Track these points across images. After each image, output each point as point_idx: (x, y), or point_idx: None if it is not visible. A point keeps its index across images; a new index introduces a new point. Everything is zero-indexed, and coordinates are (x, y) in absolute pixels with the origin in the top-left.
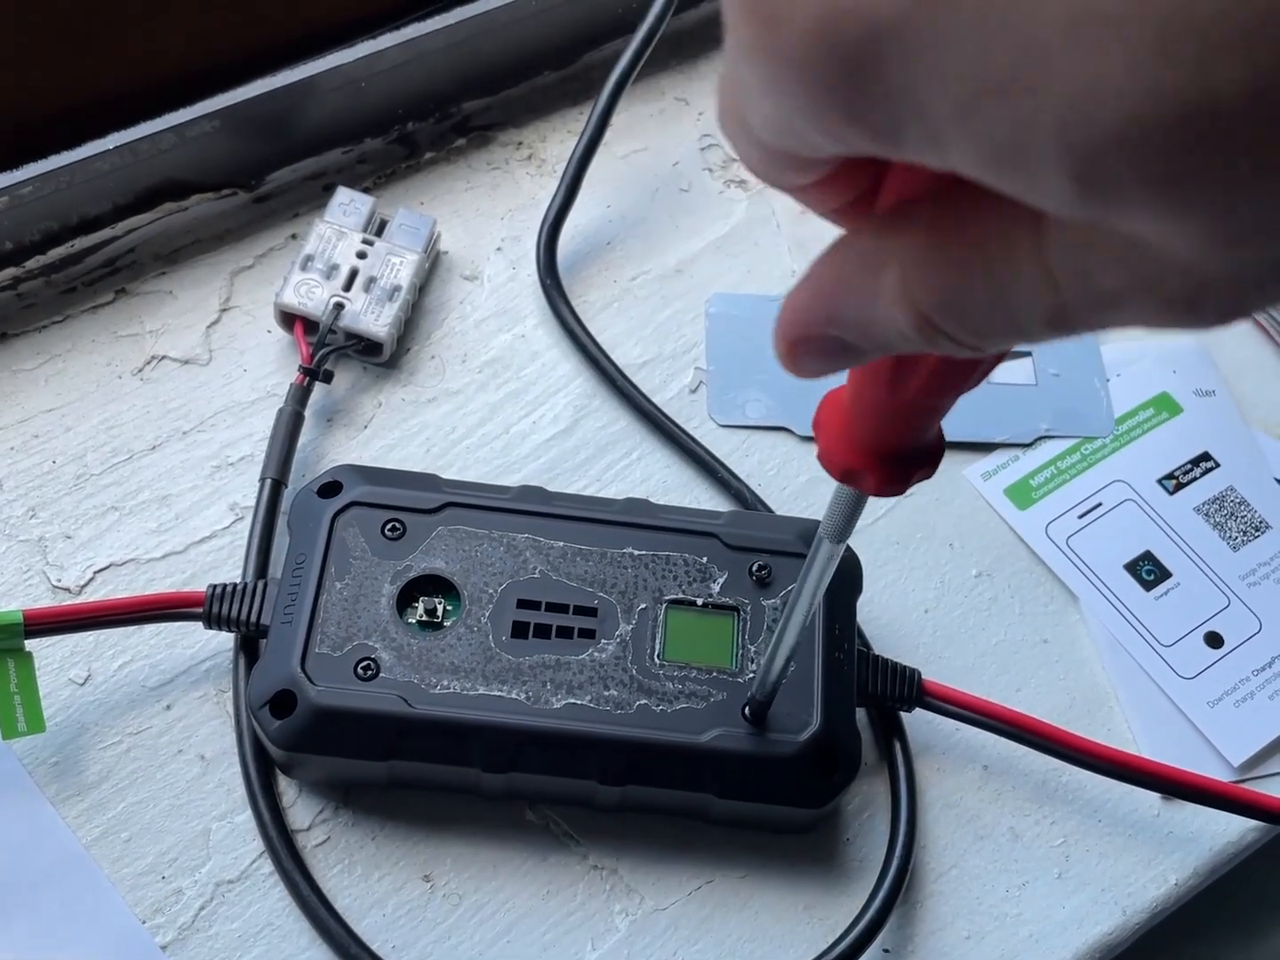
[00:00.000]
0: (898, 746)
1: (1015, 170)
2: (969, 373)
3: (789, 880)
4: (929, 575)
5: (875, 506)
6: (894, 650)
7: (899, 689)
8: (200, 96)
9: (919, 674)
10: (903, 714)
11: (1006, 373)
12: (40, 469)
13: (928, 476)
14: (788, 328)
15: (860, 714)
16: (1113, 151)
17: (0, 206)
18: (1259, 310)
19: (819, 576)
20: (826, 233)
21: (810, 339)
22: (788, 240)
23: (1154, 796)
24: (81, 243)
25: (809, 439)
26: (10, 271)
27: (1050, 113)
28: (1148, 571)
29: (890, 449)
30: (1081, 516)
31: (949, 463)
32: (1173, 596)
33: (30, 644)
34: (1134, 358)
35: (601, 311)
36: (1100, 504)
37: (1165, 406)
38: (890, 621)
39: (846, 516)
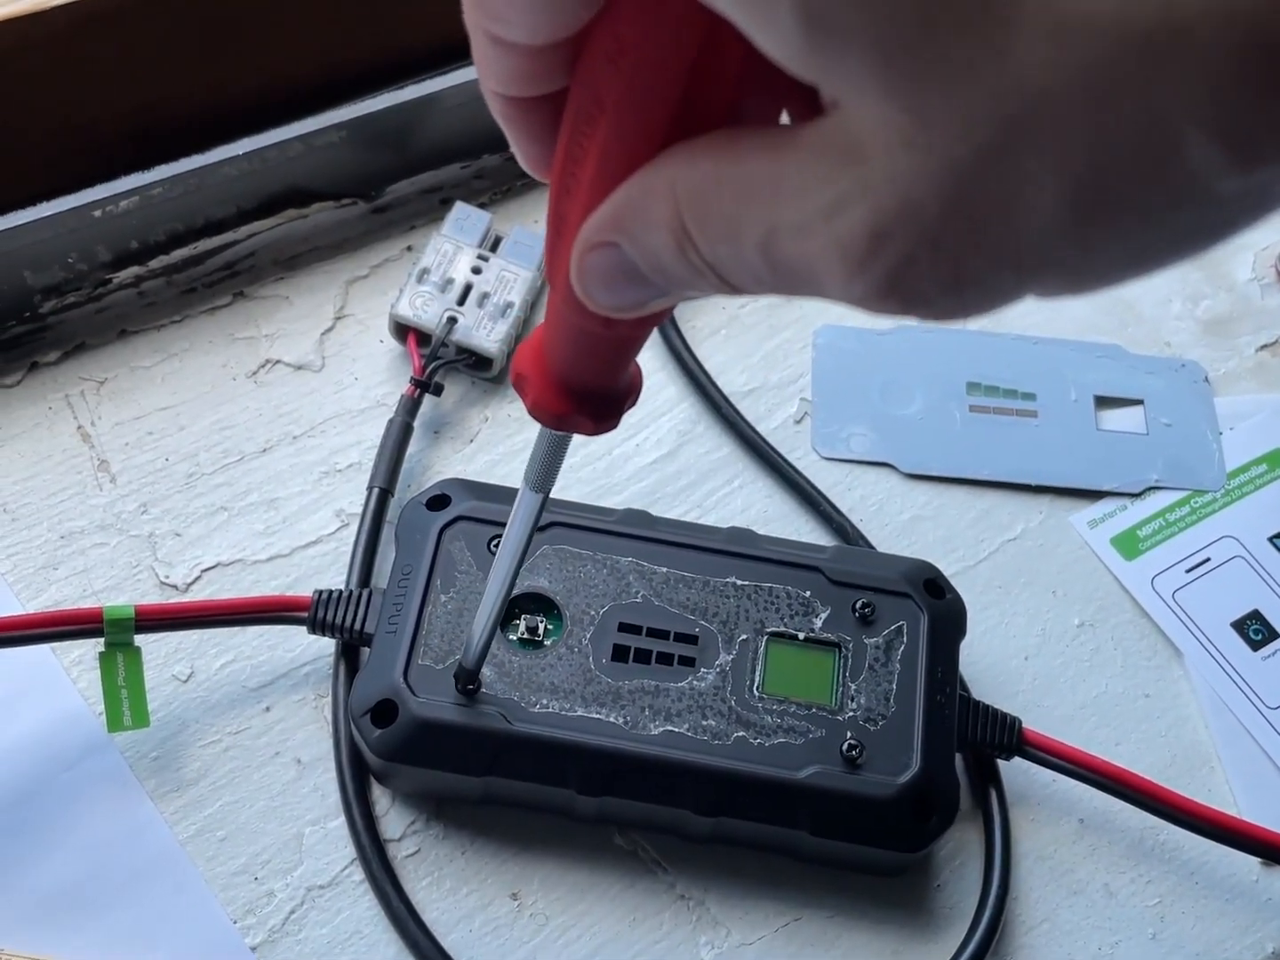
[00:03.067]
0: (993, 795)
1: (752, 3)
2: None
3: (877, 923)
4: (1031, 622)
5: (977, 549)
6: (992, 696)
7: (999, 736)
8: (327, 107)
9: (1020, 722)
10: (1000, 762)
11: (1118, 421)
12: (153, 466)
13: (633, 405)
14: (578, 242)
15: (957, 760)
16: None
17: (130, 206)
18: (913, 296)
19: (523, 526)
20: None
21: (597, 244)
22: None
23: (1254, 861)
24: (204, 245)
25: (914, 476)
26: (134, 270)
27: None
28: (1255, 631)
29: (600, 387)
30: (1189, 571)
31: (1055, 508)
32: None
33: (138, 639)
34: (1250, 411)
35: (709, 338)
36: (1209, 559)
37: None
38: (989, 667)
39: (549, 463)
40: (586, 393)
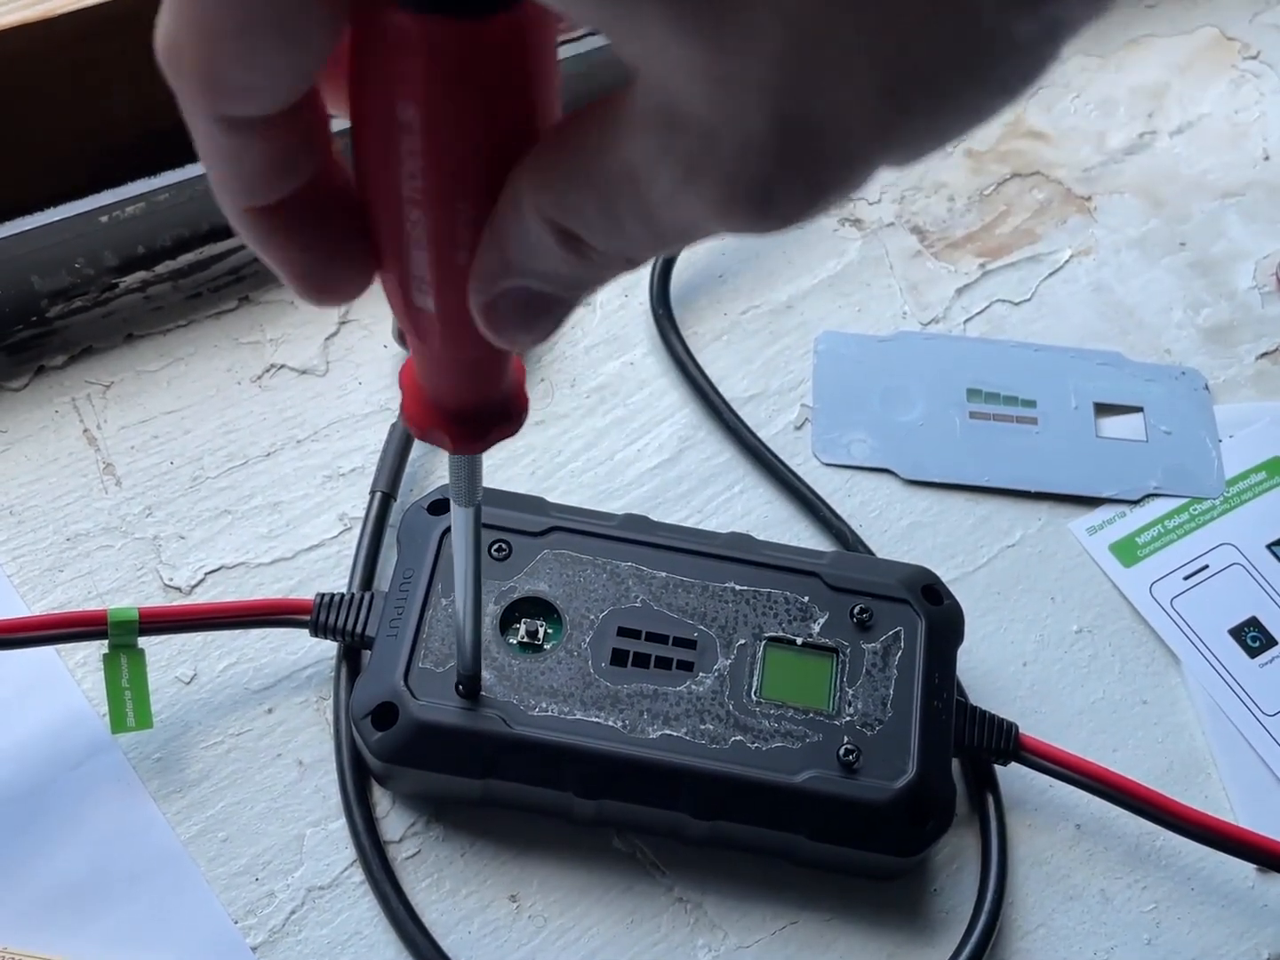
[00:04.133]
0: (990, 800)
1: None
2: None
3: (874, 927)
4: (1029, 628)
5: (976, 556)
6: (990, 702)
7: (996, 741)
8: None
9: (1017, 728)
10: (997, 767)
11: (1118, 428)
12: (158, 469)
13: (508, 435)
14: (475, 295)
15: (954, 765)
16: None
17: (136, 212)
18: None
19: (462, 540)
20: (941, 275)
21: (499, 294)
22: (900, 281)
23: (1249, 867)
24: (210, 250)
25: (913, 483)
26: (140, 275)
27: None
28: (1253, 638)
29: (461, 405)
30: (1187, 578)
31: (1054, 515)
32: (1278, 665)
33: (142, 641)
34: (1249, 419)
35: (711, 343)
36: (1207, 566)
37: (1278, 471)
38: (987, 672)
39: (465, 478)
40: (451, 412)
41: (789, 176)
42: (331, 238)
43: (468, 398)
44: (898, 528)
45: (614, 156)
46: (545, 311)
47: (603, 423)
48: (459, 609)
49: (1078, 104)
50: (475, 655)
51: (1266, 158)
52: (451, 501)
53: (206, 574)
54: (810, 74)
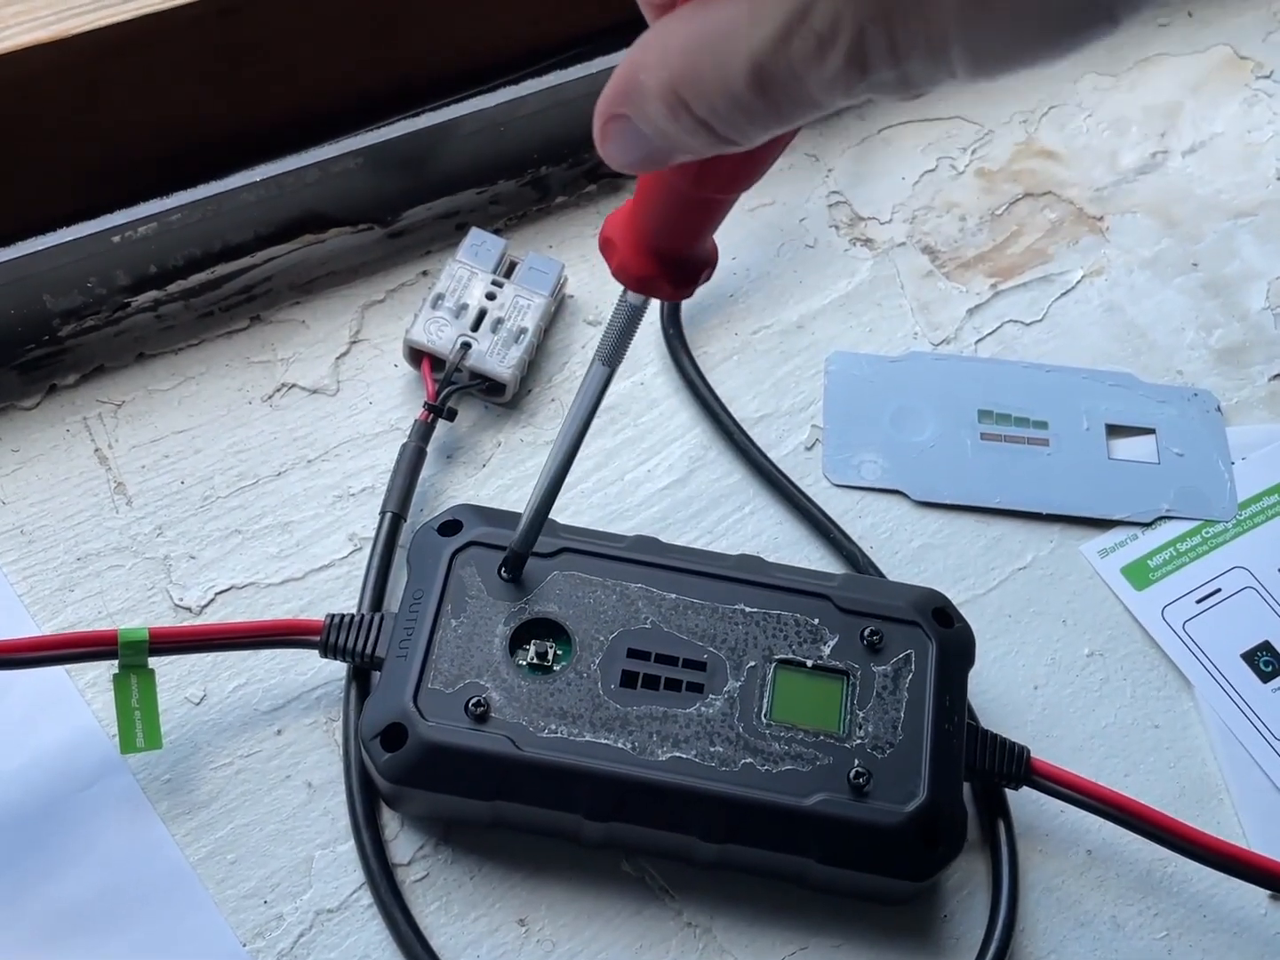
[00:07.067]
0: (1001, 825)
1: None
2: (752, 167)
3: (883, 953)
4: (1040, 651)
5: (988, 578)
6: (1001, 725)
7: (1007, 766)
8: (344, 133)
9: (1028, 752)
10: (1008, 791)
11: (1130, 449)
12: (169, 488)
13: (709, 278)
14: (600, 104)
15: (964, 789)
16: None
17: (148, 232)
18: None
19: (589, 400)
20: (952, 295)
21: (611, 117)
22: (911, 301)
23: (1262, 894)
24: (222, 269)
25: (924, 504)
26: (152, 294)
27: None
28: (1266, 663)
29: (681, 252)
30: (1200, 601)
31: (1065, 537)
32: None
33: (152, 661)
34: (1262, 441)
35: (721, 363)
36: (1219, 590)
37: None
38: (999, 696)
39: (621, 337)
40: (669, 258)
41: (878, 34)
42: None
43: (691, 242)
44: (908, 549)
45: (731, 8)
46: (639, 144)
47: (613, 443)
48: (544, 475)
49: (1090, 123)
50: (535, 525)
51: (1279, 178)
52: (594, 360)
53: (217, 594)
54: None
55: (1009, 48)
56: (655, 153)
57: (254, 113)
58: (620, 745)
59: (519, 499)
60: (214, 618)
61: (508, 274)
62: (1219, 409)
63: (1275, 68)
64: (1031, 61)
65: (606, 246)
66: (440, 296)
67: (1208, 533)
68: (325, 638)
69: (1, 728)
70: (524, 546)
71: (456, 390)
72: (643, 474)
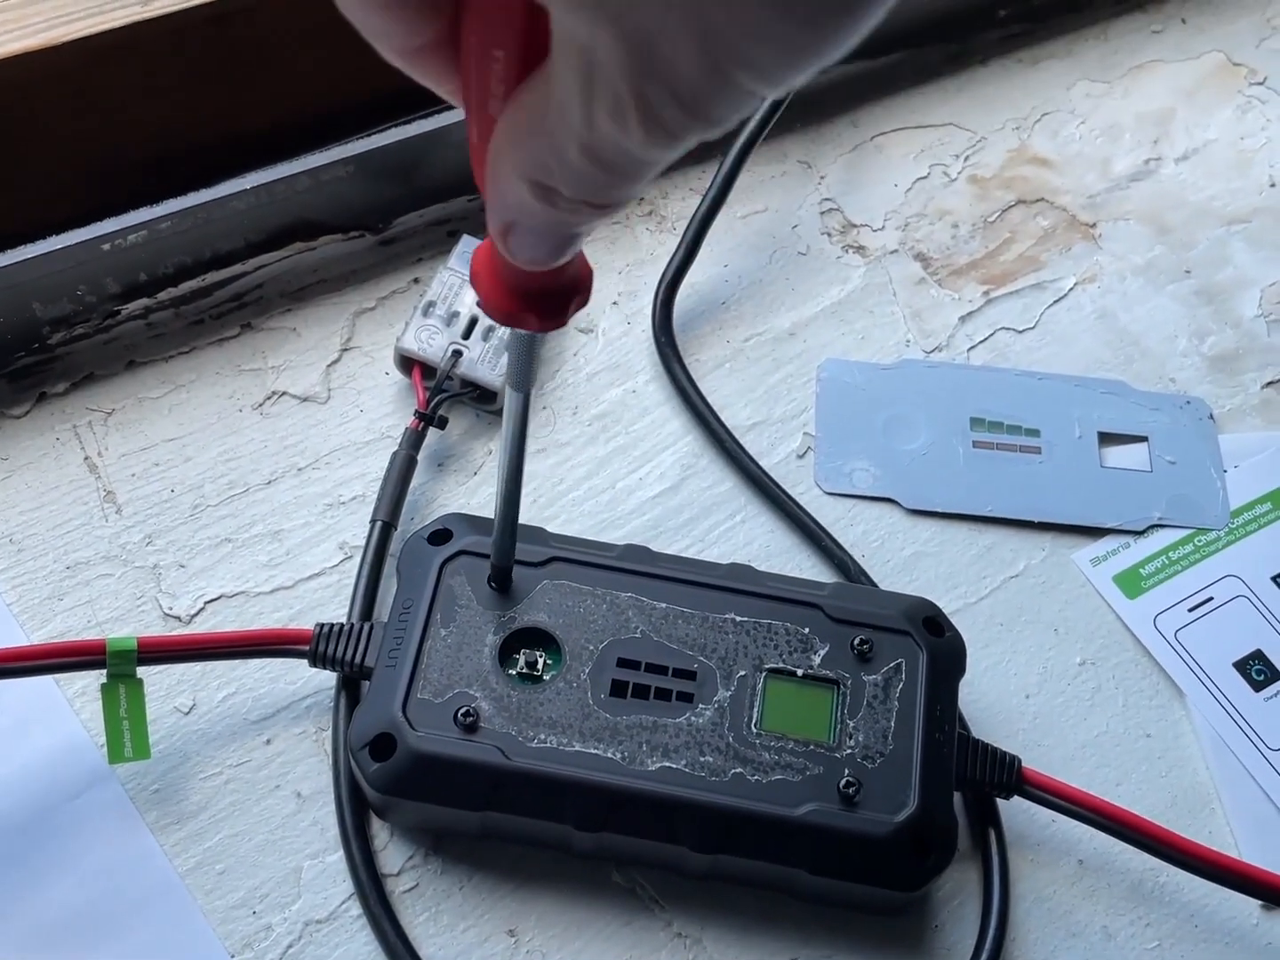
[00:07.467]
0: (992, 834)
1: None
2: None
3: None
4: (1031, 660)
5: (979, 586)
6: (992, 735)
7: (998, 775)
8: (334, 141)
9: (1019, 761)
10: (999, 801)
11: (1122, 457)
12: (159, 497)
13: (583, 305)
14: (489, 226)
15: (955, 798)
16: None
17: (138, 239)
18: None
19: (512, 426)
20: (945, 302)
21: (505, 230)
22: (904, 309)
23: (1253, 904)
24: (212, 277)
25: (916, 512)
26: (142, 301)
27: None
28: (1258, 671)
29: (542, 286)
30: (1191, 610)
31: (1057, 545)
32: None
33: (141, 671)
34: (1255, 449)
35: (713, 371)
36: (1211, 598)
37: None
38: (990, 705)
39: (523, 362)
40: (532, 292)
41: (656, 90)
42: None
43: (547, 277)
44: (900, 558)
45: (549, 100)
46: (546, 243)
47: (604, 451)
48: (498, 495)
49: (1083, 130)
50: (508, 547)
51: (1273, 184)
52: (507, 388)
53: (206, 603)
54: None
55: (781, 50)
56: (558, 240)
57: (244, 120)
58: (610, 755)
59: None
60: (203, 626)
61: None
62: (1211, 417)
63: (1268, 74)
64: (810, 51)
65: (474, 280)
66: (431, 304)
67: (1200, 541)
68: (314, 647)
69: None
70: (503, 561)
71: (448, 398)
72: (634, 482)
